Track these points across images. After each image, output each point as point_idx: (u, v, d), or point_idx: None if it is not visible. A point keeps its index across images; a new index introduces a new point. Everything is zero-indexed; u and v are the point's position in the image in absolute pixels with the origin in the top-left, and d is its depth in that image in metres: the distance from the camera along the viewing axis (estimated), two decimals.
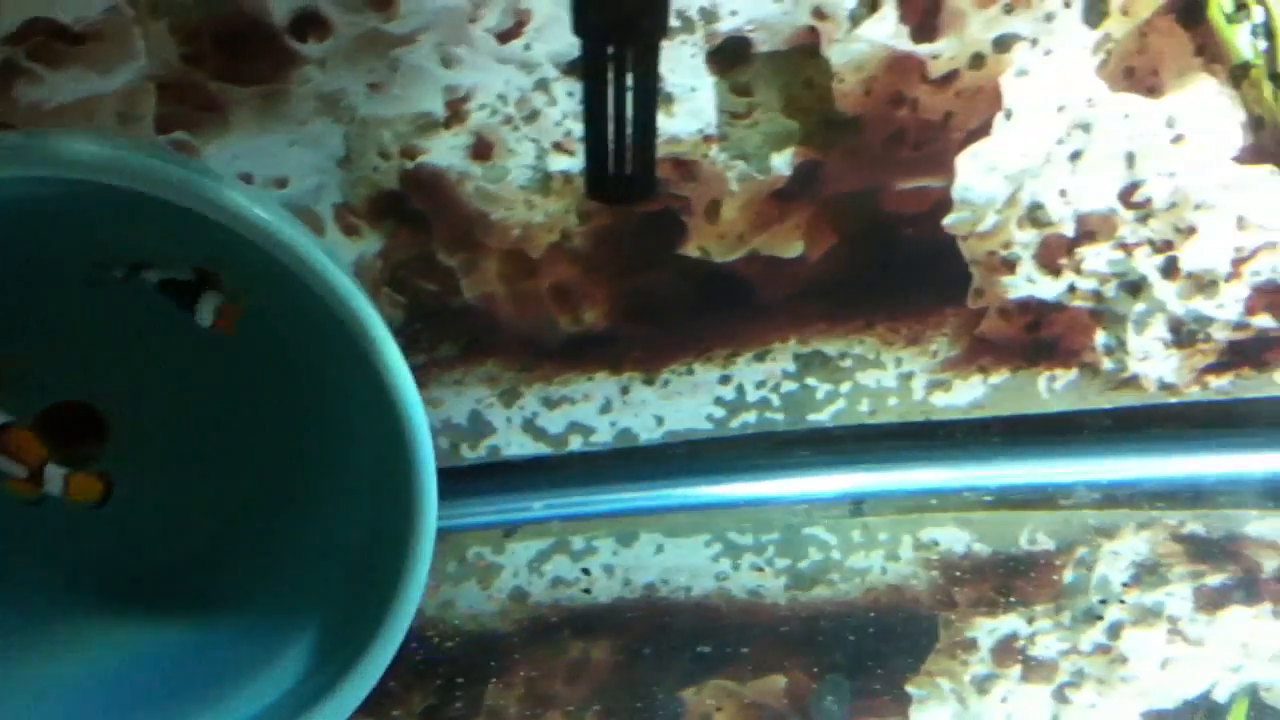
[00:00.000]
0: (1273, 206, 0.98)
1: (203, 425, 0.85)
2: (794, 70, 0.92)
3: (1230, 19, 0.94)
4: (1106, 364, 1.03)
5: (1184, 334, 1.01)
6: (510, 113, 0.90)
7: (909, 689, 0.97)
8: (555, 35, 0.89)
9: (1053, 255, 0.99)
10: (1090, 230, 0.99)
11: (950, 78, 0.93)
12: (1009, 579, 0.98)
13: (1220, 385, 1.05)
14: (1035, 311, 1.01)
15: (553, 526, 1.01)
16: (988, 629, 0.93)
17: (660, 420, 1.00)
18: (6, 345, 0.79)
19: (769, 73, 0.92)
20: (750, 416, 1.01)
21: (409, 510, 0.70)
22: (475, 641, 0.93)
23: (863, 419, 1.02)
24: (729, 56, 0.91)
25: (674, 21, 0.88)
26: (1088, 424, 1.07)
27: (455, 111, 0.89)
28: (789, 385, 1.00)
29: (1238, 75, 0.95)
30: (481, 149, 0.90)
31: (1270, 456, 1.05)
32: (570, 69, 0.89)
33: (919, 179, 0.96)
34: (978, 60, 0.93)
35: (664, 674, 0.98)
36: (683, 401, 0.99)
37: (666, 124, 0.89)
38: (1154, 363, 1.02)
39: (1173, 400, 1.05)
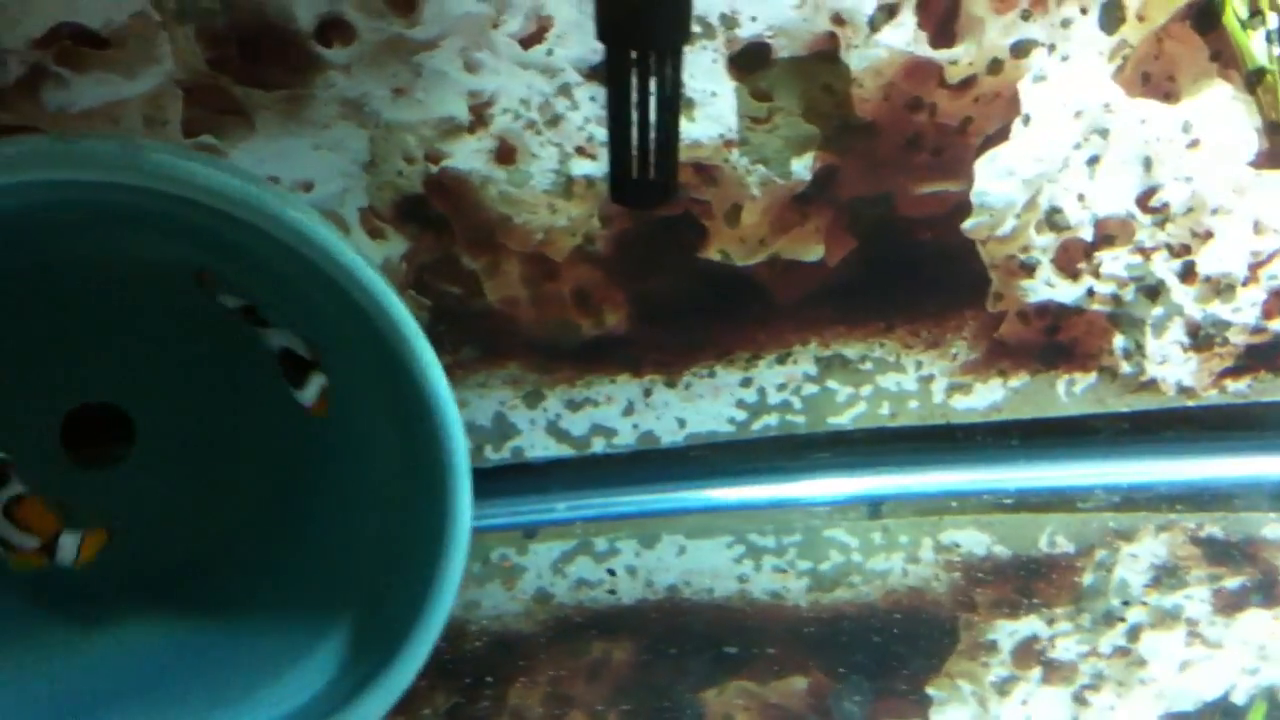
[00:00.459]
0: None
1: (227, 425, 0.85)
2: (813, 75, 0.93)
3: (1245, 25, 0.95)
4: (1125, 367, 1.04)
5: (1201, 338, 1.02)
6: (533, 117, 0.90)
7: (930, 690, 0.97)
8: (577, 40, 0.90)
9: (1071, 259, 1.00)
10: (1108, 234, 0.99)
11: (968, 83, 0.93)
12: (1029, 581, 0.98)
13: (1238, 388, 1.05)
14: (1054, 315, 1.02)
15: (575, 528, 1.01)
16: (1008, 631, 0.93)
17: (682, 422, 1.01)
18: (35, 347, 0.78)
19: (789, 78, 0.93)
20: (771, 419, 1.01)
21: (443, 510, 0.70)
22: (499, 642, 0.94)
23: (883, 422, 1.03)
24: (749, 62, 0.92)
25: (695, 28, 0.88)
26: (1106, 427, 1.07)
27: (478, 116, 0.90)
28: (810, 388, 1.01)
29: (1253, 81, 0.96)
30: (504, 153, 0.91)
31: None
32: (592, 74, 0.90)
33: (937, 183, 0.96)
34: (995, 66, 0.93)
35: (686, 675, 0.99)
36: (704, 404, 1.00)
37: (687, 129, 0.90)
38: (1172, 366, 1.03)
39: (1190, 404, 1.05)
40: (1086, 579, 0.98)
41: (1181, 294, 1.01)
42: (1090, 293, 1.01)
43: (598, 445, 1.02)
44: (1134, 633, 0.94)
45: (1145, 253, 1.00)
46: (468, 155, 0.91)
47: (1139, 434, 1.07)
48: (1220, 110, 0.96)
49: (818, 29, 0.91)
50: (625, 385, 0.99)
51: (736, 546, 1.01)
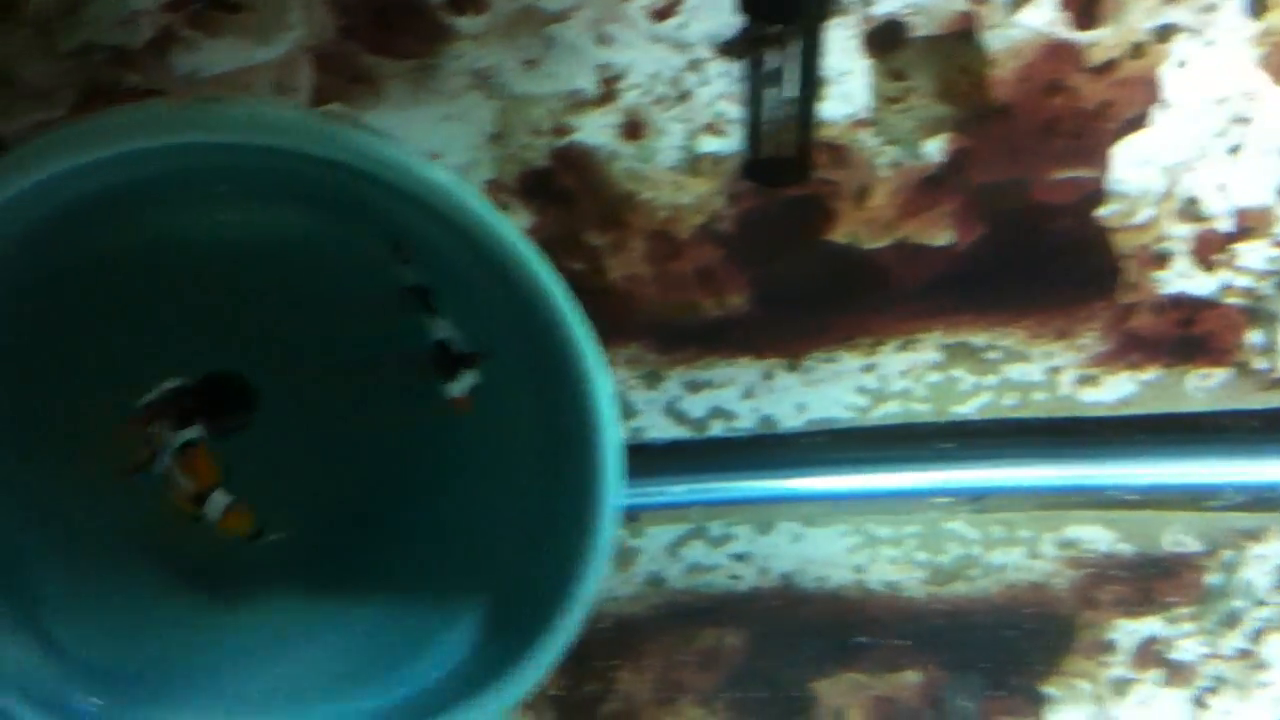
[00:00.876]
0: None
1: (358, 399, 0.85)
2: (949, 55, 0.91)
3: None
4: (1258, 364, 1.01)
5: None
6: (662, 92, 0.89)
7: (1045, 689, 0.96)
8: (711, 15, 0.88)
9: (1207, 251, 0.98)
10: (1247, 226, 0.97)
11: (1108, 67, 0.91)
12: (1151, 580, 0.96)
13: None
14: (1188, 308, 0.99)
15: (691, 512, 1.00)
16: (1127, 630, 0.92)
17: (802, 407, 0.99)
18: (159, 318, 0.78)
19: (924, 57, 0.91)
20: (893, 406, 0.99)
21: (591, 489, 0.69)
22: (611, 625, 0.92)
23: (1007, 413, 1.00)
24: (884, 40, 0.90)
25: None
26: (1236, 424, 1.04)
27: (607, 90, 0.89)
28: (933, 376, 0.99)
29: None
30: (632, 128, 0.90)
31: None
32: (725, 50, 0.89)
33: (1072, 169, 0.94)
34: (1137, 50, 0.91)
35: (797, 665, 0.98)
36: (825, 389, 0.98)
37: (818, 107, 0.87)
38: None
39: None
40: (1210, 579, 0.95)
41: None
42: (1226, 286, 0.98)
43: (716, 428, 1.00)
44: (1257, 635, 0.91)
45: None
46: (595, 129, 0.90)
47: (1270, 432, 1.04)
48: None
49: (956, 7, 0.89)
50: (746, 368, 0.97)
51: (853, 536, 1.00)
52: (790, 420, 1.01)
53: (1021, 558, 1.00)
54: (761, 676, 1.00)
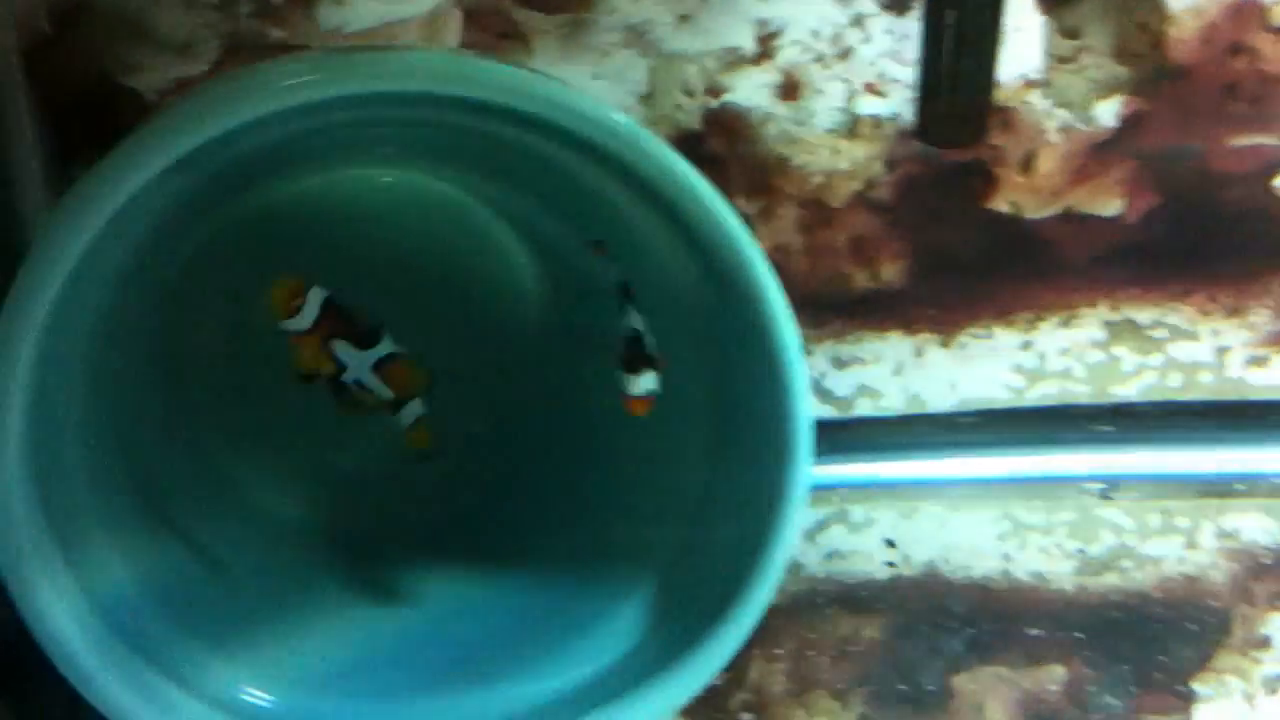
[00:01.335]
0: None
1: (517, 372, 0.84)
2: (1128, 12, 0.86)
3: None
4: None
5: None
6: (822, 50, 0.84)
7: (1195, 686, 0.92)
8: None
9: None
10: None
11: None
12: None
13: None
14: None
15: (833, 494, 0.95)
16: None
17: (953, 386, 0.94)
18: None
19: (1101, 14, 0.86)
20: (1050, 387, 0.95)
21: (778, 464, 0.65)
22: None
23: (1171, 395, 0.96)
24: None
25: None
26: None
27: (765, 48, 0.84)
28: (1095, 355, 0.94)
29: None
30: (789, 88, 0.85)
31: None
32: (890, 4, 0.84)
33: (1252, 136, 0.89)
34: None
35: (937, 657, 0.94)
36: (979, 367, 0.93)
37: (997, 63, 0.82)
38: None
39: None
40: None
41: None
42: None
43: (862, 407, 0.96)
44: None
45: None
46: (750, 90, 0.85)
47: None
48: None
49: None
50: (896, 343, 0.93)
51: (1002, 522, 0.96)
52: (940, 399, 0.96)
53: (1178, 548, 0.95)
54: (898, 669, 0.97)
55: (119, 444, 0.69)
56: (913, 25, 0.84)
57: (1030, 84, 0.87)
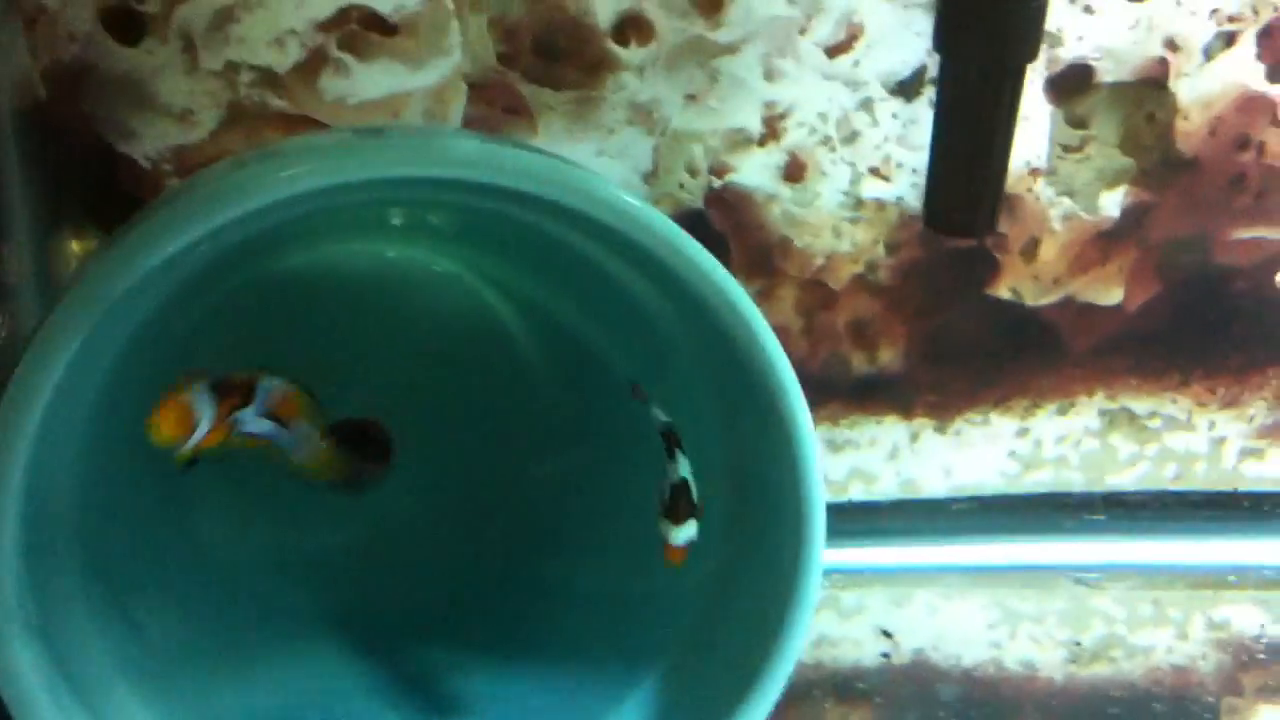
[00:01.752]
0: None
1: (501, 452, 0.81)
2: (1136, 103, 0.86)
3: None
4: None
5: None
6: (829, 132, 0.84)
7: None
8: (887, 53, 0.84)
9: None
10: None
11: None
12: None
13: None
14: None
15: (824, 580, 0.93)
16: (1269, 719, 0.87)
17: (948, 472, 0.93)
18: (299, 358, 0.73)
19: (1110, 105, 0.86)
20: (1044, 474, 0.94)
21: (792, 552, 0.64)
22: None
23: (1165, 484, 0.95)
24: (1069, 85, 0.86)
25: None
26: None
27: (771, 128, 0.83)
28: (1090, 443, 0.93)
29: None
30: (794, 170, 0.84)
31: None
32: (898, 90, 0.84)
33: (1256, 229, 0.89)
34: None
35: None
36: (974, 453, 0.93)
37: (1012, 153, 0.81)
38: None
39: None
40: None
41: None
42: None
43: (855, 491, 0.94)
44: None
45: None
46: (755, 170, 0.84)
47: None
48: None
49: (1148, 54, 0.84)
50: (892, 427, 0.92)
51: (993, 610, 0.94)
52: (934, 485, 0.95)
53: (1169, 638, 0.94)
54: None
55: (111, 537, 0.67)
56: (921, 110, 0.83)
57: (1035, 172, 0.86)
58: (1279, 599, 0.97)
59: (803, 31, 0.82)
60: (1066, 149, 0.86)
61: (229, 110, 0.78)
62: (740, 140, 0.84)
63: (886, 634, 0.90)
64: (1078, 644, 0.92)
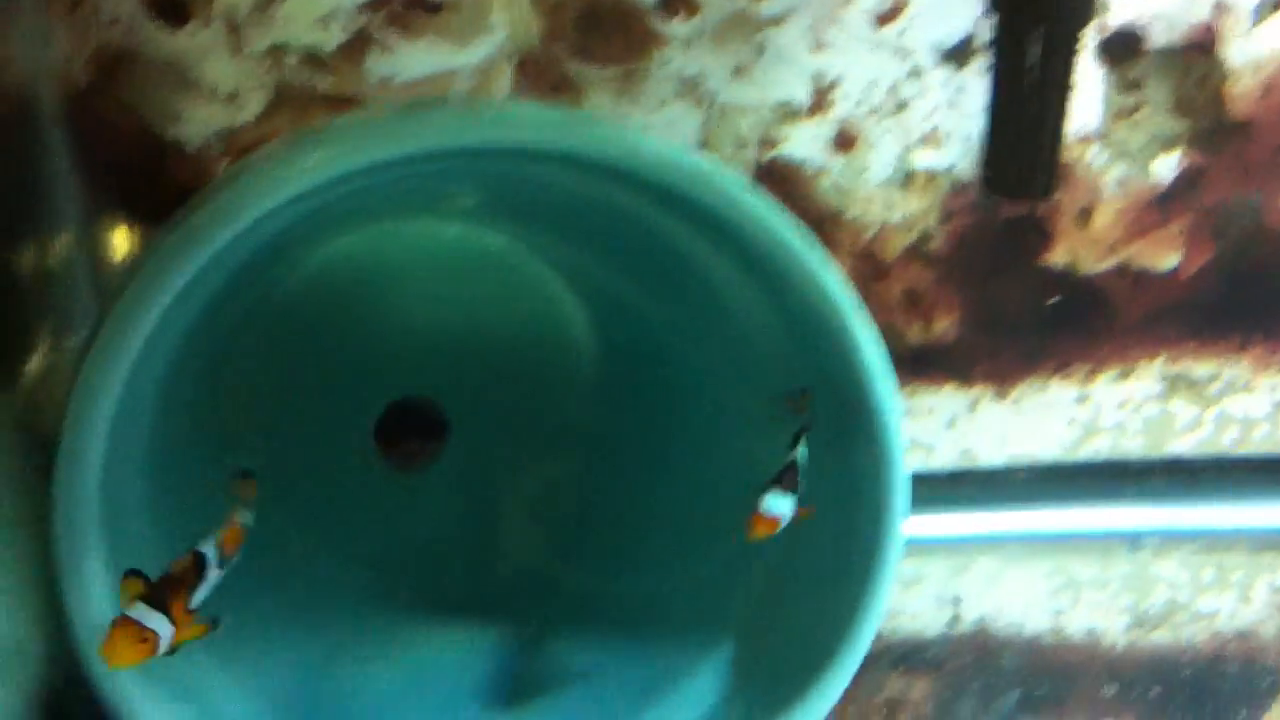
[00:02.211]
0: None
1: (557, 428, 0.80)
2: (1187, 67, 0.85)
3: None
4: None
5: None
6: (878, 103, 0.83)
7: None
8: (934, 21, 0.83)
9: None
10: None
11: None
12: None
13: None
14: None
15: None
16: None
17: (1005, 440, 0.92)
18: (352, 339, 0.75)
19: (1160, 69, 0.85)
20: (1103, 441, 0.93)
21: (873, 526, 0.63)
22: None
23: (1225, 450, 0.93)
24: (1120, 49, 0.85)
25: None
26: None
27: (819, 100, 0.83)
28: (1150, 409, 0.92)
29: None
30: (843, 141, 0.84)
31: None
32: (947, 58, 0.83)
33: None
34: None
35: (988, 716, 0.92)
36: (1033, 421, 0.92)
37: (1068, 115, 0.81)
38: None
39: None
40: None
41: None
42: None
43: (914, 461, 0.93)
44: None
45: None
46: (804, 142, 0.84)
47: None
48: None
49: (1197, 18, 0.83)
50: (950, 396, 0.91)
51: (1055, 577, 0.93)
52: (992, 454, 0.94)
53: (1231, 603, 0.93)
54: None
55: (175, 517, 0.68)
56: (970, 78, 0.83)
57: (1088, 138, 0.86)
58: None
59: (849, 1, 0.80)
60: (1119, 114, 0.85)
61: (276, 92, 0.78)
62: (788, 112, 0.83)
63: (953, 600, 0.90)
64: (1137, 609, 0.91)
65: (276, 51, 0.78)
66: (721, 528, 0.67)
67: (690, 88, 0.82)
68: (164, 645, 0.55)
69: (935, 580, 0.93)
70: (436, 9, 0.78)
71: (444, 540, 0.79)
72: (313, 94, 0.78)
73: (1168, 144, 0.86)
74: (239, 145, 0.78)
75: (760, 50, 0.82)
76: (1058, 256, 0.89)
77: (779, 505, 0.62)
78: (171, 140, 0.79)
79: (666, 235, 0.65)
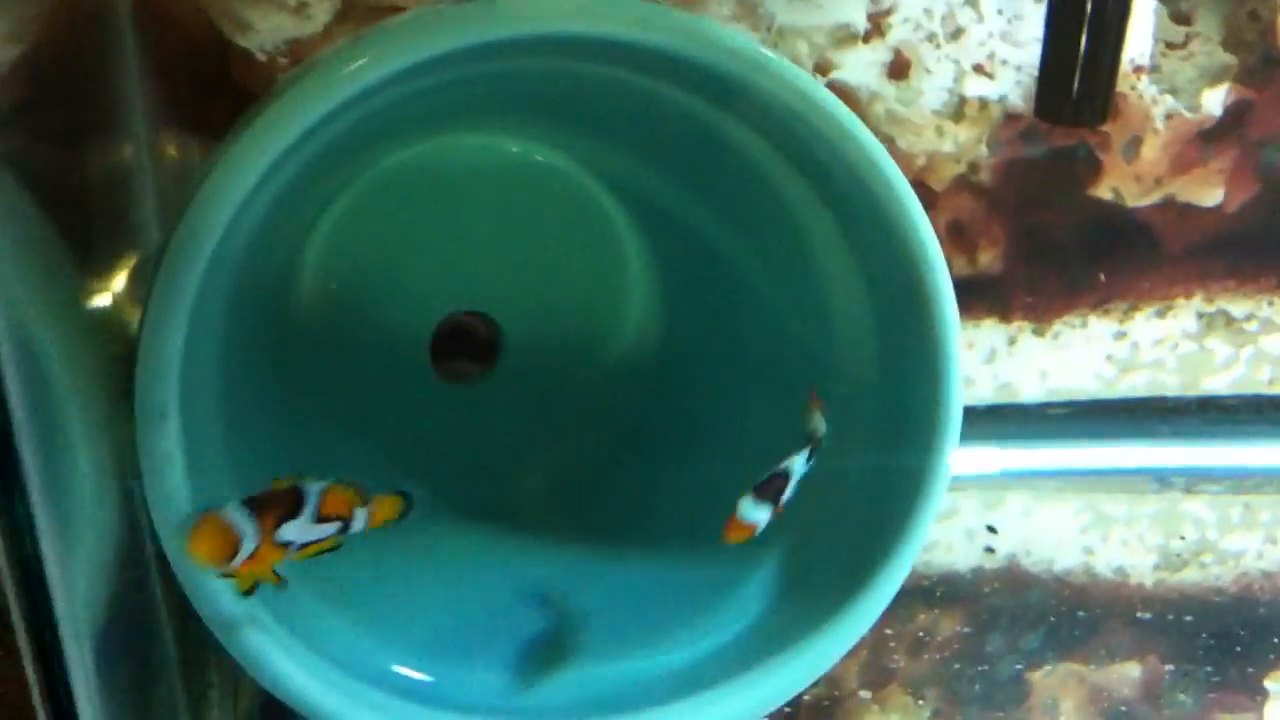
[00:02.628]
0: None
1: (608, 339, 0.80)
2: (1238, 0, 0.84)
3: None
4: None
5: None
6: (934, 29, 0.83)
7: (1268, 684, 0.91)
8: None
9: None
10: None
11: None
12: None
13: None
14: None
15: None
16: None
17: (1044, 375, 0.93)
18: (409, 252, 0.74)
19: (1212, 1, 0.84)
20: (1140, 377, 0.94)
21: (925, 444, 0.65)
22: None
23: (1260, 388, 0.94)
24: None
25: None
26: None
27: (876, 25, 0.83)
28: (1187, 346, 0.93)
29: None
30: (898, 67, 0.84)
31: None
32: None
33: None
34: None
35: (1014, 652, 0.92)
36: (1071, 356, 0.92)
37: (1126, 42, 0.81)
38: None
39: None
40: None
41: None
42: None
43: None
44: None
45: None
46: (859, 67, 0.84)
47: None
48: None
49: None
50: (991, 330, 0.92)
51: (1085, 514, 0.94)
52: (1031, 389, 0.94)
53: (1259, 543, 0.94)
54: (975, 663, 0.95)
55: (240, 422, 0.67)
56: (1026, 5, 0.83)
57: (1139, 69, 0.86)
58: None
59: None
60: (1170, 46, 0.86)
61: (343, 2, 0.78)
62: (845, 36, 0.84)
63: (991, 529, 0.90)
64: (1166, 548, 0.92)
65: None
66: (778, 442, 0.67)
67: (749, 9, 0.82)
68: (246, 551, 0.54)
69: (968, 514, 0.94)
70: None
71: (492, 454, 0.79)
72: (380, 4, 0.78)
73: (1217, 77, 0.87)
74: (305, 54, 0.78)
75: None
76: (1105, 189, 0.89)
77: (754, 514, 0.62)
78: (240, 48, 0.78)
79: (731, 143, 0.65)
